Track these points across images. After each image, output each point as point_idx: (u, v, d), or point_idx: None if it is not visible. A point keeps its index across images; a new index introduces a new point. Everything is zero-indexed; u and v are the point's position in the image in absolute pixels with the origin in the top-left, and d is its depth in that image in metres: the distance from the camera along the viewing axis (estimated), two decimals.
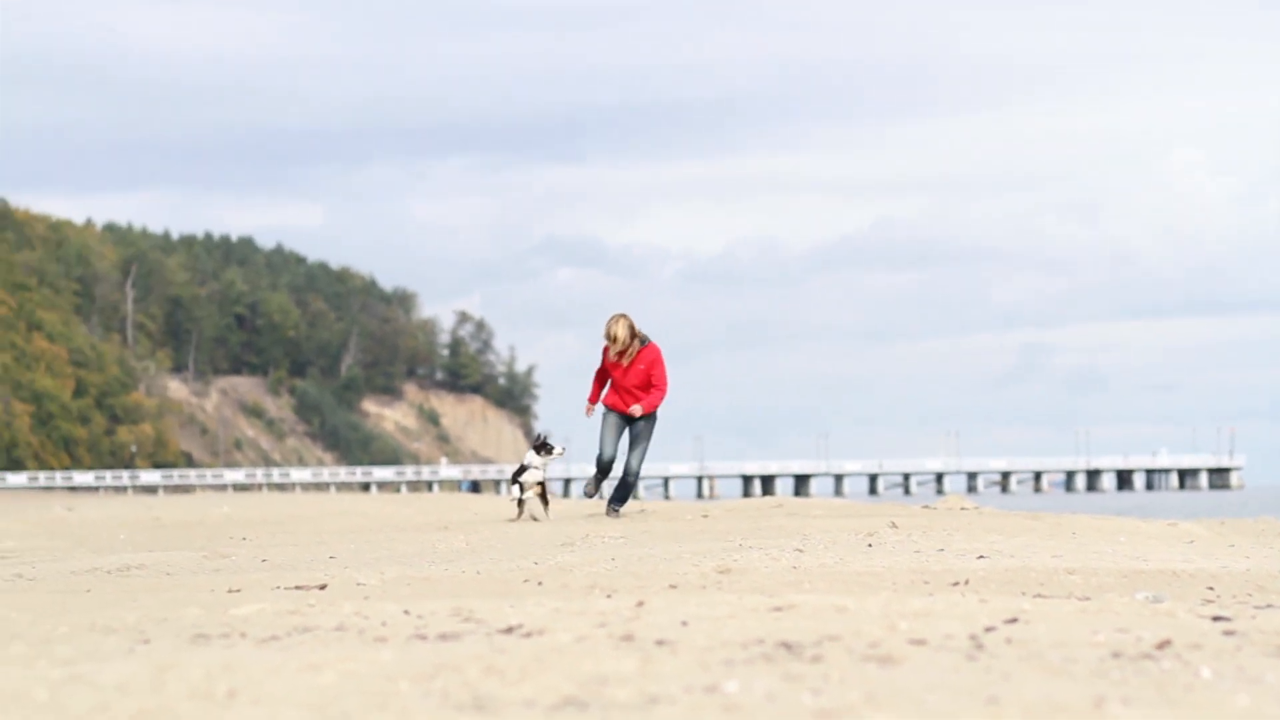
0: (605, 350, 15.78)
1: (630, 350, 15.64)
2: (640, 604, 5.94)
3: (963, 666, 4.52)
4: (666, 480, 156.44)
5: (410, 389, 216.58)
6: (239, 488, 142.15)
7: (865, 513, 15.35)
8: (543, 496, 16.00)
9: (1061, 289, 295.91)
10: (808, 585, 7.70)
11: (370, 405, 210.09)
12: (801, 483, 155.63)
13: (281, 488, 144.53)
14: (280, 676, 4.39)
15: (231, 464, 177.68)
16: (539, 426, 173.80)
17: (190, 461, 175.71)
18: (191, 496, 69.63)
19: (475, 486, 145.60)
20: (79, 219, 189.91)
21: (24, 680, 4.46)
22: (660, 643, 4.92)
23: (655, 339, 15.79)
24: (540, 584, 8.08)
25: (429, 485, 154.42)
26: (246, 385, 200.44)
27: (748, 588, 7.56)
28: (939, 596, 6.39)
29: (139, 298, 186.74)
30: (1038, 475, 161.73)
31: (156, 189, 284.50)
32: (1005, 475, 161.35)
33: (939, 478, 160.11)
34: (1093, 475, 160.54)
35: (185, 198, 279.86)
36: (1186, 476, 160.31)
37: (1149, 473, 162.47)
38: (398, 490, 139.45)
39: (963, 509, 16.28)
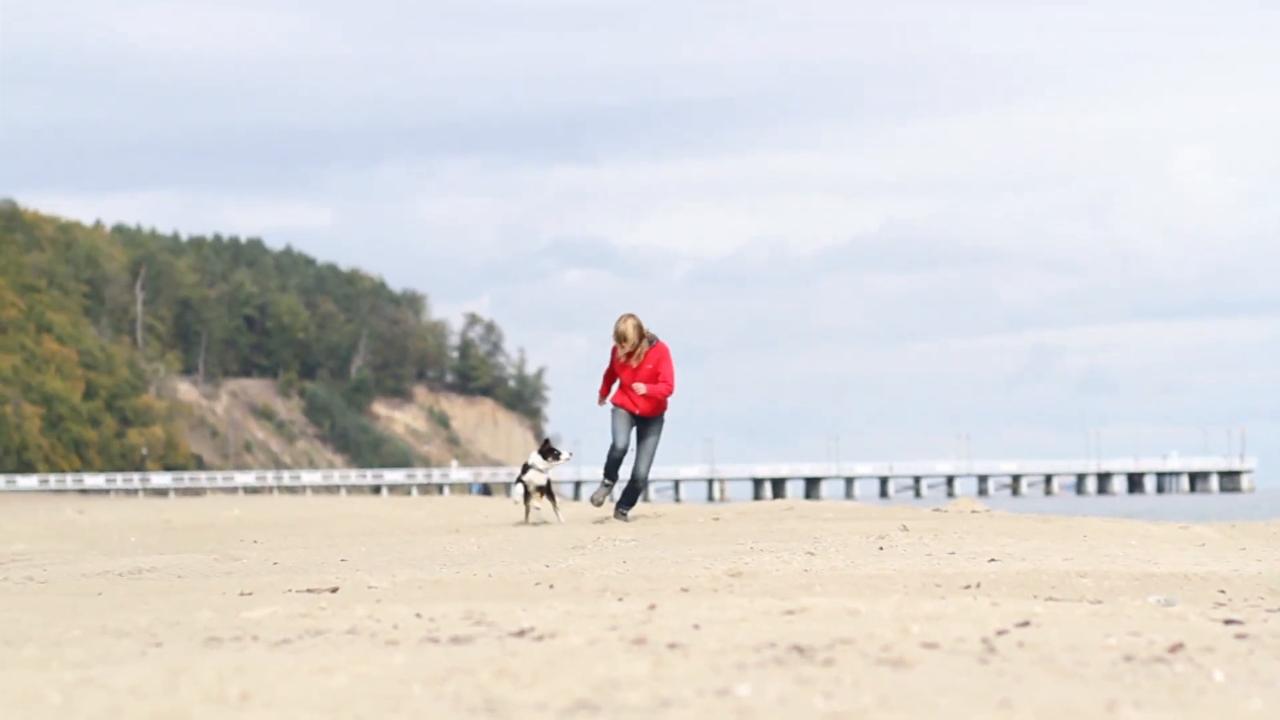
0: (614, 350, 15.77)
1: (639, 350, 15.63)
2: (652, 607, 5.94)
3: (975, 670, 4.52)
4: (677, 483, 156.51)
5: (420, 391, 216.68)
6: (249, 490, 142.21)
7: (876, 515, 15.34)
8: (550, 498, 15.97)
9: (1071, 290, 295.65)
10: (819, 588, 7.70)
11: (380, 408, 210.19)
12: (812, 485, 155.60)
13: (292, 490, 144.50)
14: (292, 679, 4.39)
15: (242, 466, 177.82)
16: (549, 429, 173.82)
17: (200, 464, 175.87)
18: (202, 499, 69.69)
19: (486, 489, 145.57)
20: (88, 220, 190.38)
21: (37, 683, 4.46)
22: (672, 646, 4.92)
23: (664, 340, 15.78)
24: (552, 587, 8.08)
25: (439, 488, 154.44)
26: (256, 387, 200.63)
27: (759, 591, 7.55)
28: (951, 600, 6.38)
29: (148, 299, 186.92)
30: (1048, 478, 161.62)
31: (166, 190, 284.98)
32: (1016, 478, 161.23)
33: (950, 480, 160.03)
34: (1104, 478, 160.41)
35: (194, 199, 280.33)
36: (1197, 479, 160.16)
37: (1160, 475, 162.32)
38: (408, 493, 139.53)
39: (974, 512, 16.28)
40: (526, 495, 15.88)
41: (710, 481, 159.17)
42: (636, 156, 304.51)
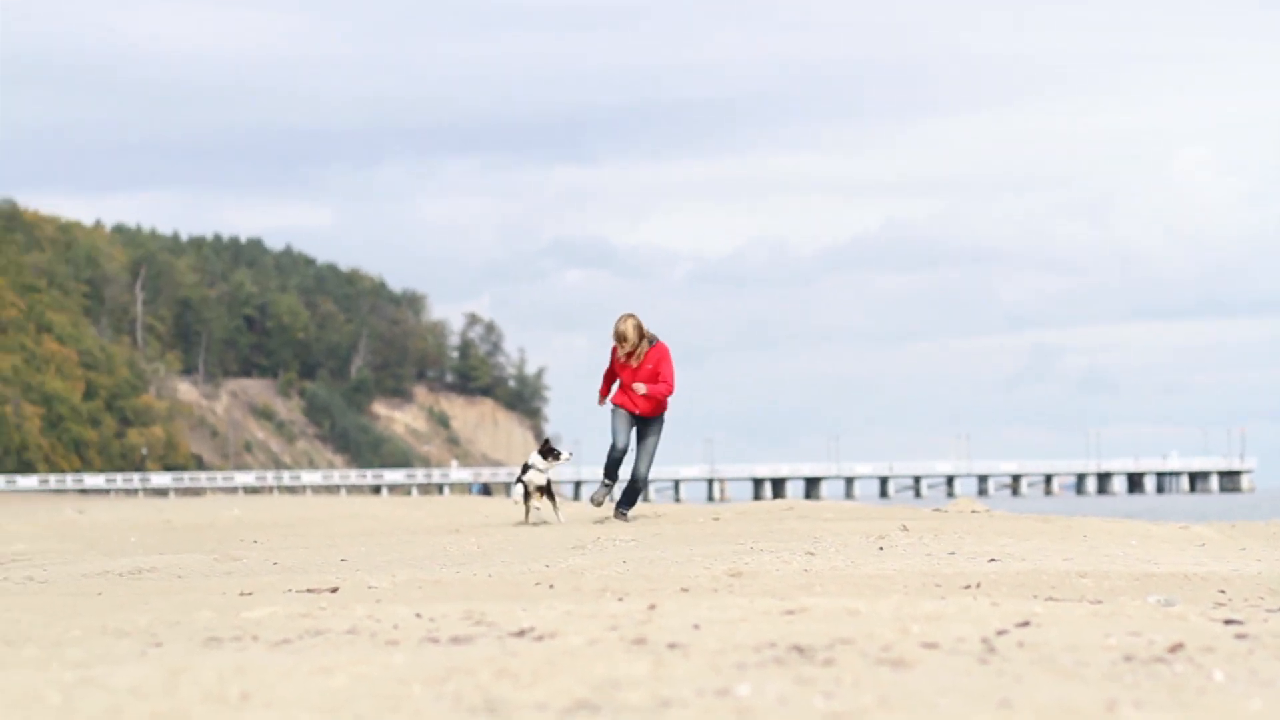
0: (614, 350, 15.77)
1: (639, 350, 15.63)
2: (652, 607, 5.94)
3: (975, 670, 4.52)
4: (677, 483, 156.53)
5: (420, 391, 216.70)
6: (249, 490, 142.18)
7: (876, 515, 15.34)
8: (550, 498, 15.98)
9: (1071, 290, 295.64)
10: (819, 588, 7.70)
11: (380, 408, 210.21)
12: (812, 485, 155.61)
13: (292, 490, 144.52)
14: (292, 679, 4.39)
15: (242, 466, 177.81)
16: (549, 429, 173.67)
17: (200, 464, 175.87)
18: (202, 499, 69.68)
19: (486, 489, 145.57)
20: (88, 220, 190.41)
21: (37, 683, 4.46)
22: (672, 646, 4.92)
23: (664, 340, 15.79)
24: (552, 587, 8.08)
25: (439, 488, 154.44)
26: (256, 387, 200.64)
27: (759, 591, 7.55)
28: (951, 600, 6.38)
29: (148, 299, 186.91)
30: (1048, 478, 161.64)
31: (166, 190, 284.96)
32: (1016, 478, 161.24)
33: (950, 480, 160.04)
34: (1104, 478, 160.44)
35: (194, 199, 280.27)
36: (1197, 479, 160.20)
37: (1160, 475, 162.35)
38: (408, 493, 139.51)
39: (974, 512, 16.28)
40: (526, 495, 15.87)
41: (710, 481, 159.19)
42: (636, 156, 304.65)
